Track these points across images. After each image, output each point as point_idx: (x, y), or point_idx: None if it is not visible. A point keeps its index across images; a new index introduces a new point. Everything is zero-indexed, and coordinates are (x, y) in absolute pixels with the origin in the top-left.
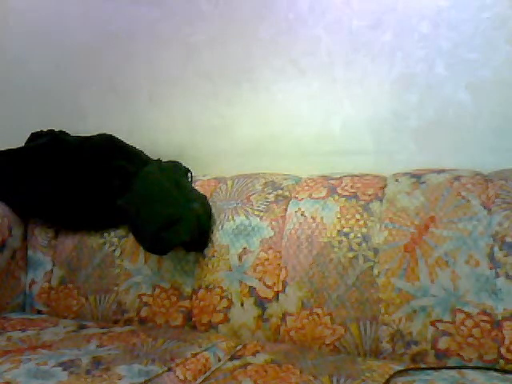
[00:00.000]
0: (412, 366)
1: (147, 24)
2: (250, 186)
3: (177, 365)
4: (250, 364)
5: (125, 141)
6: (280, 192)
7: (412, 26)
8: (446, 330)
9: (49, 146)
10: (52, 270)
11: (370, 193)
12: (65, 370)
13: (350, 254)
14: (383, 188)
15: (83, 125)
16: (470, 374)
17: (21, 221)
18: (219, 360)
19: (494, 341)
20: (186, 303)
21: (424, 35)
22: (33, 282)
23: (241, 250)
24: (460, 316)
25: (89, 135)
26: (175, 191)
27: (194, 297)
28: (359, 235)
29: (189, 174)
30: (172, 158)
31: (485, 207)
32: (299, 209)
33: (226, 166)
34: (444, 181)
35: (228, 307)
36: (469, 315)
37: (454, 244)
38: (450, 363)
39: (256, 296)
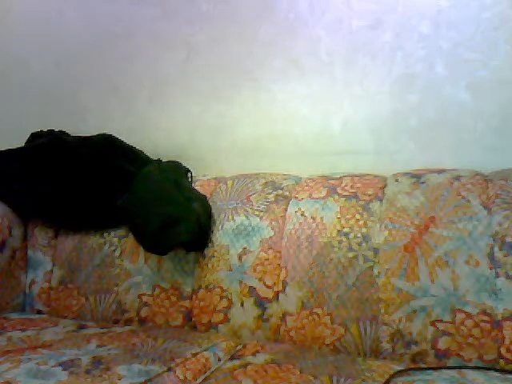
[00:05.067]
0: (412, 366)
1: (147, 24)
2: (249, 186)
3: (177, 365)
4: (249, 364)
5: (125, 141)
6: (280, 192)
7: (412, 26)
8: (446, 330)
9: (49, 146)
10: (52, 270)
11: (370, 193)
12: (65, 369)
13: (350, 254)
14: (383, 188)
15: (83, 125)
16: (470, 374)
17: (21, 221)
18: (219, 360)
19: (493, 341)
20: (186, 303)
21: (424, 35)
22: (33, 282)
23: (241, 250)
24: (460, 316)
25: (89, 135)
26: (175, 191)
27: (193, 297)
28: (359, 235)
29: (189, 174)
30: (172, 158)
31: (485, 207)
32: (299, 209)
33: (226, 166)
34: (444, 181)
35: (228, 307)
36: (469, 315)
37: (454, 244)
38: (450, 363)
39: (256, 296)
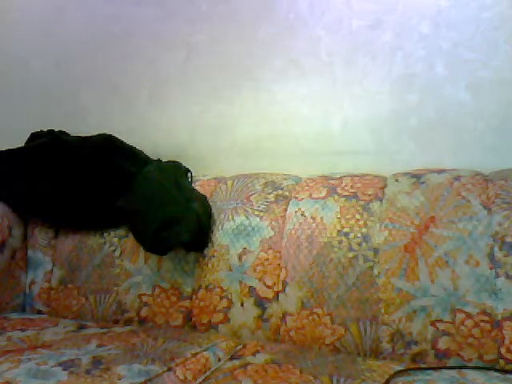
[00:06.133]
0: (412, 366)
1: (147, 24)
2: (249, 186)
3: (177, 365)
4: (250, 364)
5: (125, 141)
6: (280, 192)
7: (412, 26)
8: (446, 330)
9: (49, 146)
10: (52, 270)
11: (369, 193)
12: (65, 369)
13: (350, 254)
14: (383, 188)
15: (83, 125)
16: (470, 374)
17: (21, 221)
18: (219, 360)
19: (494, 341)
20: (186, 303)
21: (424, 35)
22: (33, 282)
23: (241, 250)
24: (460, 316)
25: (89, 135)
26: (175, 191)
27: (193, 297)
28: (359, 235)
29: (189, 174)
30: (172, 158)
31: (485, 207)
32: (299, 209)
33: (226, 166)
34: (444, 181)
35: (228, 307)
36: (469, 315)
37: (454, 244)
38: (450, 363)
39: (256, 296)
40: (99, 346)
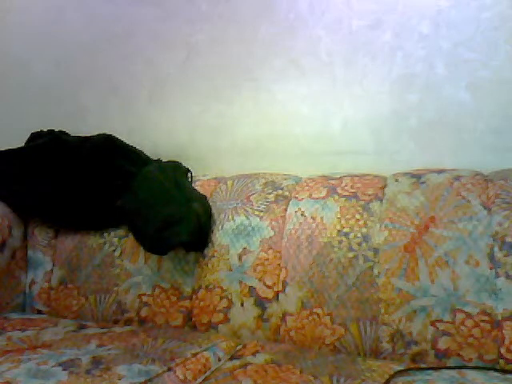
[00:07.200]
0: (412, 366)
1: (147, 24)
2: (250, 186)
3: (177, 365)
4: (249, 364)
5: (125, 141)
6: (280, 192)
7: (412, 26)
8: (446, 330)
9: (49, 146)
10: (52, 270)
11: (369, 193)
12: (65, 369)
13: (350, 254)
14: (383, 188)
15: (83, 125)
16: (470, 374)
17: (21, 221)
18: (219, 360)
19: (494, 341)
20: (186, 303)
21: (424, 35)
22: (33, 282)
23: (241, 250)
24: (460, 316)
25: (89, 135)
26: (175, 191)
27: (194, 297)
28: (359, 235)
29: (189, 174)
30: (172, 158)
31: (485, 207)
32: (299, 209)
33: (226, 166)
34: (444, 181)
35: (228, 307)
36: (469, 315)
37: (454, 244)
38: (450, 363)
39: (256, 296)
40: (99, 345)
